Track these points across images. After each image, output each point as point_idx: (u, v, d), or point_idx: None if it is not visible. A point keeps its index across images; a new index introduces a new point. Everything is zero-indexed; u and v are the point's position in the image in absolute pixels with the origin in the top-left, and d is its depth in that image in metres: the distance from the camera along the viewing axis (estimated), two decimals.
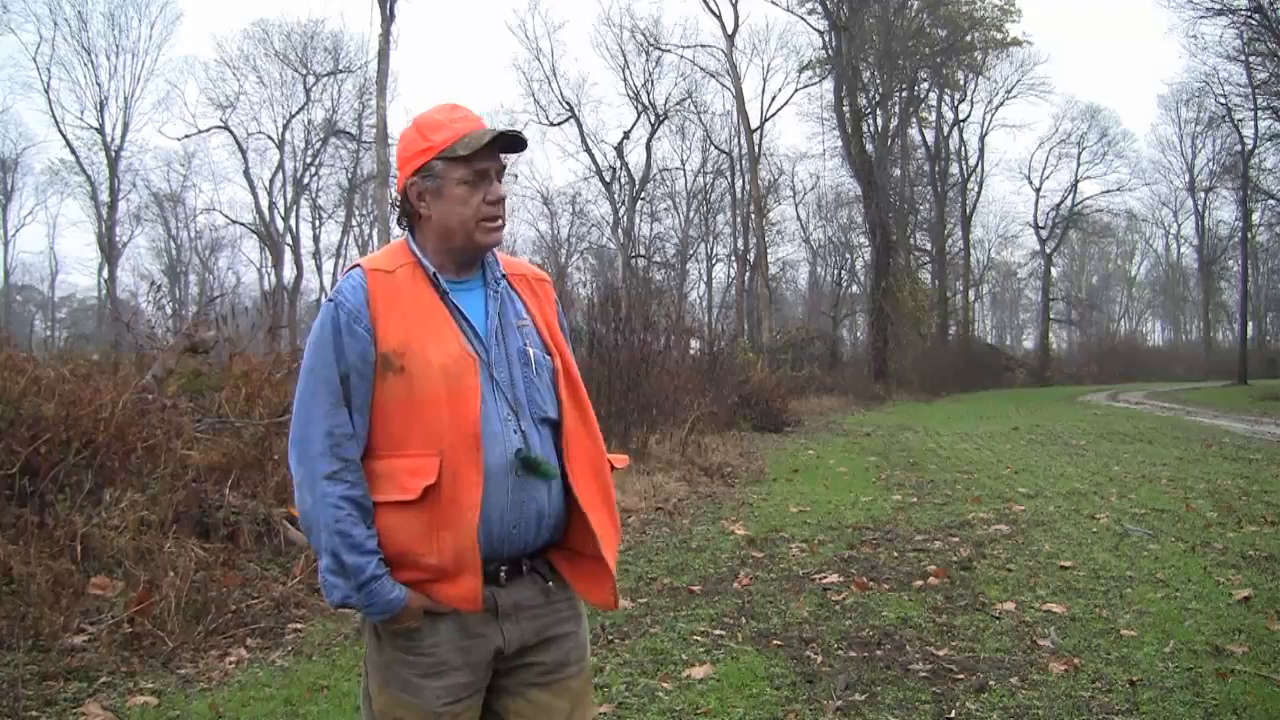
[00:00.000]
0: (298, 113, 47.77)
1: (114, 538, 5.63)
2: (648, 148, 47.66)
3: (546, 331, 2.23)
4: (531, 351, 2.16)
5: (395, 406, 2.04)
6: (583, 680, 2.23)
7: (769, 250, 43.94)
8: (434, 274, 2.13)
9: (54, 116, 44.14)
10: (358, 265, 2.16)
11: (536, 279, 2.31)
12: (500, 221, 2.16)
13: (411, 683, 2.07)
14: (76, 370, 7.31)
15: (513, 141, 2.16)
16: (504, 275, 2.23)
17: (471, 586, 2.03)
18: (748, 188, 43.82)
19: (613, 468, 2.26)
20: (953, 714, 4.14)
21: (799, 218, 55.07)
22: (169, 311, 33.87)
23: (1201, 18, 32.65)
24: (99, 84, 44.69)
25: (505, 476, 2.05)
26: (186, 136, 47.65)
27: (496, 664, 2.14)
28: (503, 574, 2.09)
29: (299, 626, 5.41)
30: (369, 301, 2.07)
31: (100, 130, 44.84)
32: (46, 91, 43.54)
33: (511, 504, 2.06)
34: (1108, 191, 58.84)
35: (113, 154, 44.97)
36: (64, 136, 44.41)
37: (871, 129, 40.90)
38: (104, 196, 45.48)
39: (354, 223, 51.83)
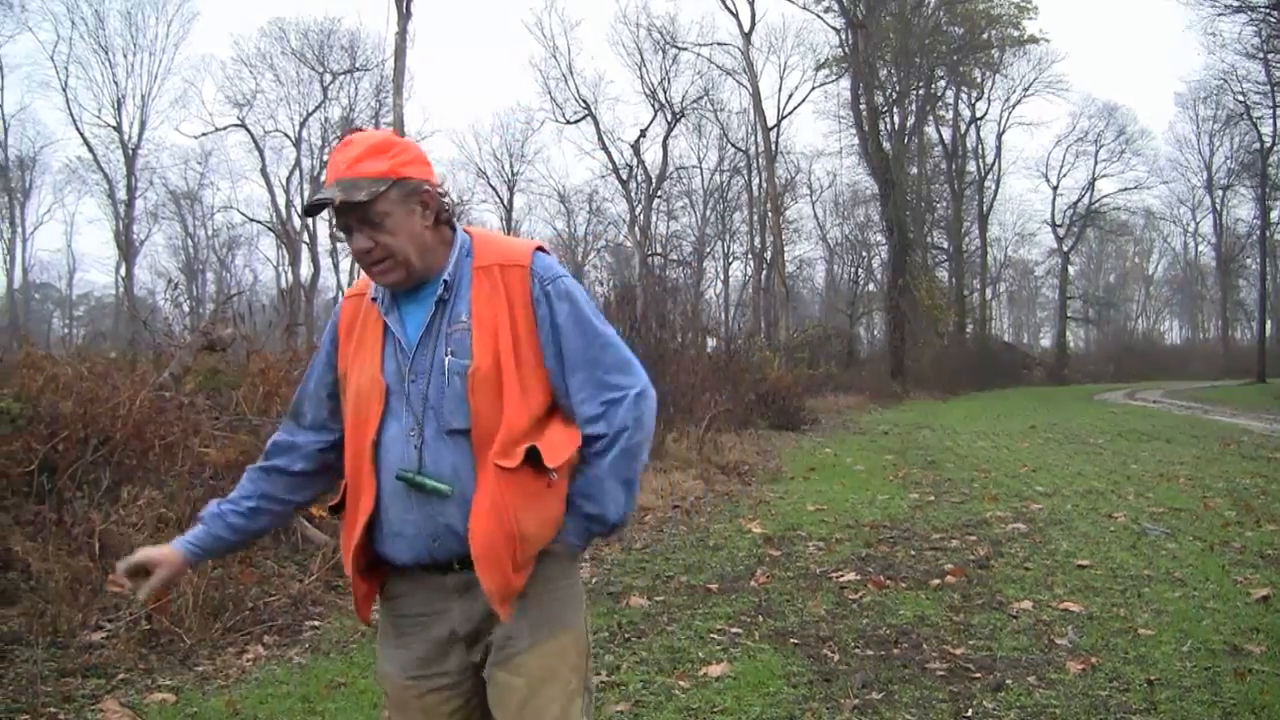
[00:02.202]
0: (314, 111, 47.91)
1: (132, 535, 5.65)
2: (664, 146, 47.78)
3: (489, 329, 2.01)
4: (448, 360, 2.00)
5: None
6: (541, 659, 2.05)
7: (786, 248, 43.85)
8: (374, 298, 2.10)
9: (71, 115, 44.55)
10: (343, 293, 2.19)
11: (505, 266, 2.06)
12: (381, 266, 2.01)
13: (386, 648, 2.16)
14: (94, 368, 7.33)
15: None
16: (458, 273, 2.07)
17: (356, 596, 2.14)
18: (764, 185, 43.73)
19: (500, 467, 1.95)
20: (970, 713, 4.13)
21: (816, 216, 55.02)
22: (186, 309, 34.06)
23: (1220, 15, 32.55)
24: (116, 82, 45.04)
25: (406, 493, 2.00)
26: (203, 135, 47.87)
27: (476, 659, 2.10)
28: (456, 564, 2.02)
29: (316, 624, 5.43)
30: (336, 330, 2.18)
31: (118, 128, 45.16)
32: (64, 90, 43.92)
33: (420, 518, 2.00)
34: (1125, 189, 58.52)
35: (130, 152, 45.20)
36: (81, 135, 44.76)
37: (888, 127, 40.79)
38: (121, 194, 45.76)
39: None
